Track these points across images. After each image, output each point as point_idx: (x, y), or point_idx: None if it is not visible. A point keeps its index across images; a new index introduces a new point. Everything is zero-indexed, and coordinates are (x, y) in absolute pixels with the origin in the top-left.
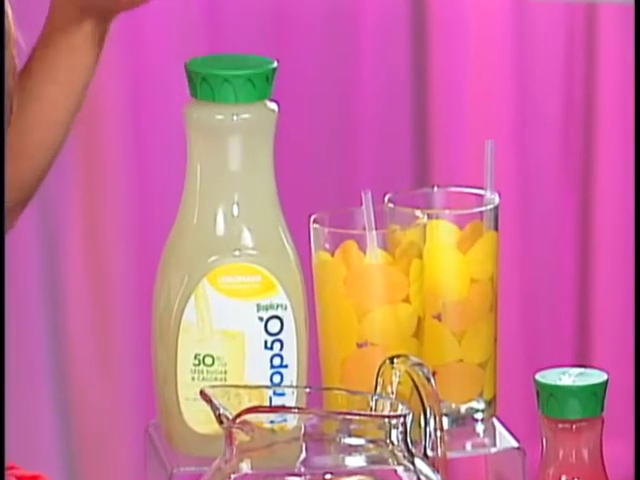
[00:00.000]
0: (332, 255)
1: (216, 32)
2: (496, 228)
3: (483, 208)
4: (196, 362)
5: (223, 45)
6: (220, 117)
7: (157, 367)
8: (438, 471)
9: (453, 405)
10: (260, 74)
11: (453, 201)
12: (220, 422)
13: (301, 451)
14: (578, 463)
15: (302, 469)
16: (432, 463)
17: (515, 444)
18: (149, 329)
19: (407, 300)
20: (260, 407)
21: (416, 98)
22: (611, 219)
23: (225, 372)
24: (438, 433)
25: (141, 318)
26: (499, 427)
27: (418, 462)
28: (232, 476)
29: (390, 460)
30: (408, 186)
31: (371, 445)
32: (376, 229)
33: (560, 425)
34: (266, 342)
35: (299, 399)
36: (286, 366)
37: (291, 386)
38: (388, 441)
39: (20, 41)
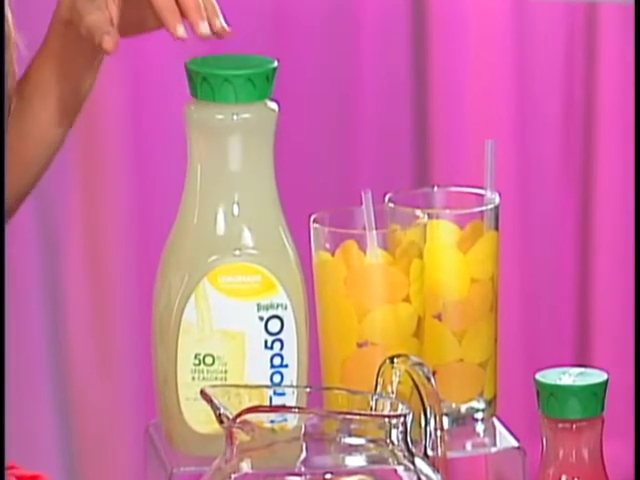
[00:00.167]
0: (332, 255)
1: None
2: (496, 228)
3: (483, 208)
4: (196, 362)
5: (223, 45)
6: (220, 117)
7: (157, 367)
8: (438, 471)
9: (453, 405)
10: (260, 74)
11: (453, 201)
12: (220, 422)
13: (301, 451)
14: (578, 463)
15: (302, 469)
16: (432, 463)
17: (515, 444)
18: (149, 329)
19: (407, 300)
20: (260, 407)
21: (416, 98)
22: (611, 219)
23: (225, 372)
24: (438, 433)
25: (141, 318)
26: (499, 427)
27: (418, 462)
28: (232, 476)
29: (390, 460)
30: (408, 186)
31: (371, 445)
32: (376, 229)
33: (560, 425)
34: (266, 342)
35: (299, 399)
36: (286, 366)
37: (291, 386)
38: (388, 441)
39: (20, 45)
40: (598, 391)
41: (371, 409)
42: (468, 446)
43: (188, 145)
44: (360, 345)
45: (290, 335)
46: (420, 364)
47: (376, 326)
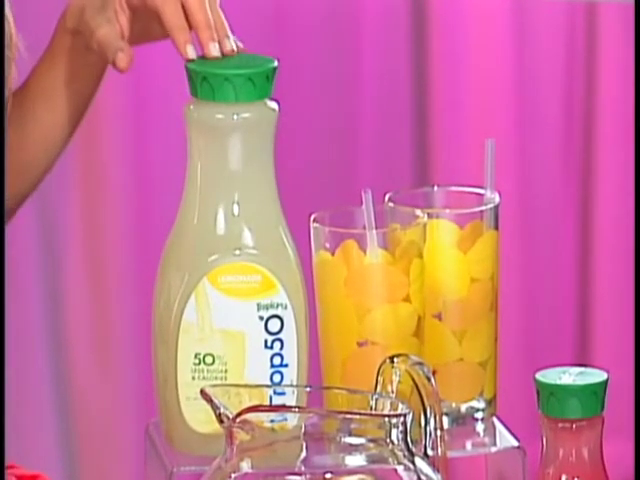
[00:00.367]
0: (332, 254)
1: None
2: (496, 227)
3: (483, 207)
4: (196, 361)
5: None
6: (220, 116)
7: (157, 367)
8: (438, 470)
9: (453, 404)
10: (260, 73)
11: (453, 200)
12: (220, 421)
13: (301, 450)
14: (578, 462)
15: (302, 468)
16: (432, 462)
17: (515, 443)
18: (149, 329)
19: (407, 299)
20: (260, 406)
21: (416, 98)
22: (611, 219)
23: (225, 371)
24: (438, 432)
25: (141, 318)
26: (499, 426)
27: (418, 461)
28: (232, 475)
29: (390, 459)
30: (408, 185)
31: (371, 444)
32: (376, 228)
33: (560, 424)
34: (266, 341)
35: (299, 398)
36: (286, 365)
37: (291, 385)
38: (388, 440)
39: (20, 46)
40: (598, 391)
41: (371, 409)
42: (468, 446)
43: (188, 145)
44: (360, 345)
45: (290, 335)
46: (420, 364)
47: (376, 326)
